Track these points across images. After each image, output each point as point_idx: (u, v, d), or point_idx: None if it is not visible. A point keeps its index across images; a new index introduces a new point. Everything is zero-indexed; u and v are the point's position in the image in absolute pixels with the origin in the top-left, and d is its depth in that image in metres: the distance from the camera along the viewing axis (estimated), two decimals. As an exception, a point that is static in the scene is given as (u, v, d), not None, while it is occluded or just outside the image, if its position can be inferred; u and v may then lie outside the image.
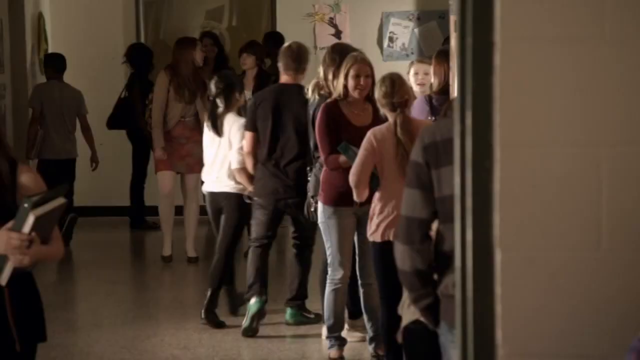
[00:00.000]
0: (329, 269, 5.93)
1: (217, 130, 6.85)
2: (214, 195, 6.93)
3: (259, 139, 6.65)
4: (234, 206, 6.79)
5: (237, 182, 6.80)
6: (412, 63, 6.79)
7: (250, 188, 6.70)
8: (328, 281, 5.95)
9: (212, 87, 6.96)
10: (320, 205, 5.90)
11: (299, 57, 6.67)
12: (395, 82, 5.42)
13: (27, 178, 3.52)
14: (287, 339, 6.59)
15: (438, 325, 3.26)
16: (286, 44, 6.91)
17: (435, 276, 3.26)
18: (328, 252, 5.93)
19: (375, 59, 9.85)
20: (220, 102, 6.88)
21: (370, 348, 6.05)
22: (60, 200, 3.42)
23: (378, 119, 5.72)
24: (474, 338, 2.08)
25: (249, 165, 6.71)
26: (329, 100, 5.92)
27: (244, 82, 8.50)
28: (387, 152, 5.41)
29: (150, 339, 6.58)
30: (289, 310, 6.86)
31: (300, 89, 6.48)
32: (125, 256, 9.60)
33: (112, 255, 9.29)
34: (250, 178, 6.71)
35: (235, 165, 6.78)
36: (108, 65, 10.66)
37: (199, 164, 8.01)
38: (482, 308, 2.07)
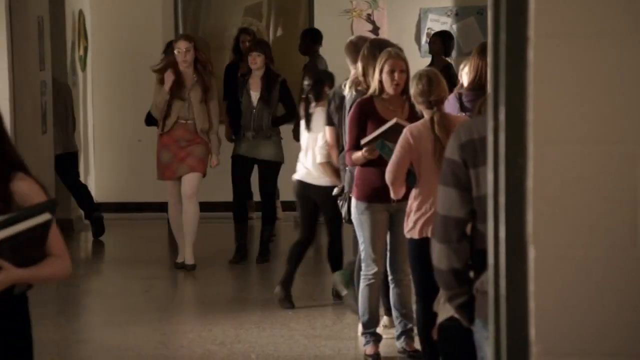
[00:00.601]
0: (362, 265, 5.93)
1: (308, 124, 7.10)
2: (303, 184, 7.14)
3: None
4: (326, 198, 6.83)
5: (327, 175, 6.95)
6: (465, 62, 6.57)
7: (336, 182, 6.73)
8: (362, 277, 5.95)
9: (304, 83, 7.33)
10: (353, 200, 5.90)
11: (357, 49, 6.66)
12: (432, 80, 5.40)
13: (20, 187, 3.16)
14: (323, 335, 6.59)
15: (473, 322, 3.25)
16: (349, 39, 6.94)
17: (472, 274, 3.25)
18: (361, 248, 5.92)
19: (413, 55, 9.83)
20: (311, 98, 7.12)
21: (398, 343, 6.05)
22: (44, 217, 3.09)
23: (414, 115, 5.71)
24: (507, 335, 2.07)
25: (334, 158, 6.79)
26: (365, 97, 5.91)
27: (250, 82, 8.32)
28: (424, 149, 5.40)
29: (187, 334, 6.61)
30: (342, 273, 6.95)
31: None
32: (163, 252, 9.66)
33: (150, 251, 9.35)
34: (336, 171, 6.79)
35: (320, 159, 6.92)
36: (147, 61, 10.72)
37: (201, 163, 8.17)
38: (515, 305, 2.06)
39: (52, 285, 8.21)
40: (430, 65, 9.11)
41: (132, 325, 6.85)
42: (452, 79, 9.60)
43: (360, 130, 5.81)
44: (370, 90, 5.88)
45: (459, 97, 5.83)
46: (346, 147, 5.94)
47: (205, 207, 8.80)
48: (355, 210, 5.87)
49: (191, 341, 6.47)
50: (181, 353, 6.24)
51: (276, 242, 9.33)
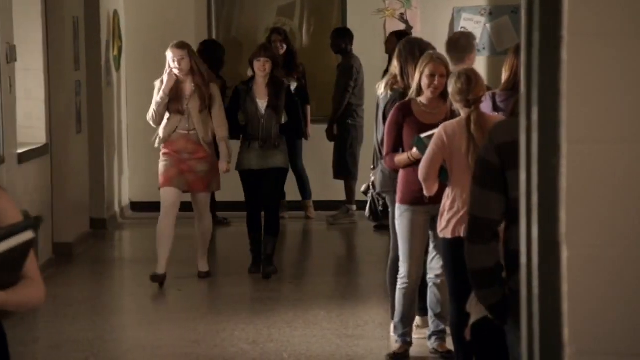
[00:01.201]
0: (401, 268, 5.92)
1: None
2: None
3: None
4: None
5: None
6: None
7: None
8: (399, 279, 5.94)
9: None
10: (395, 204, 5.89)
11: (457, 46, 6.65)
12: (472, 79, 5.39)
13: None
14: (355, 335, 6.59)
15: (505, 322, 3.24)
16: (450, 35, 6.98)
17: (504, 274, 3.24)
18: (400, 251, 5.91)
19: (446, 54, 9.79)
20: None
21: (429, 344, 6.04)
22: (25, 236, 2.83)
23: (454, 117, 5.70)
24: (540, 337, 2.05)
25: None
26: (404, 100, 5.90)
27: (254, 90, 7.85)
28: (457, 148, 5.38)
29: (220, 333, 6.63)
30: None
31: None
32: (194, 252, 9.69)
33: (183, 250, 9.39)
34: None
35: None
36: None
37: (201, 182, 7.75)
38: (549, 306, 2.05)
39: (85, 285, 8.27)
40: (387, 66, 9.13)
41: (166, 324, 6.88)
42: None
43: (398, 133, 5.80)
44: (410, 92, 5.87)
45: (493, 97, 5.81)
46: (384, 150, 5.90)
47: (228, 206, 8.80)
48: (396, 212, 5.87)
49: (224, 340, 6.49)
50: (214, 352, 6.26)
51: (306, 241, 9.33)
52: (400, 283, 5.93)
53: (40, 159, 8.39)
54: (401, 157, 5.79)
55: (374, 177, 6.38)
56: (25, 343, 6.57)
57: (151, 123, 7.87)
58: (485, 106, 5.72)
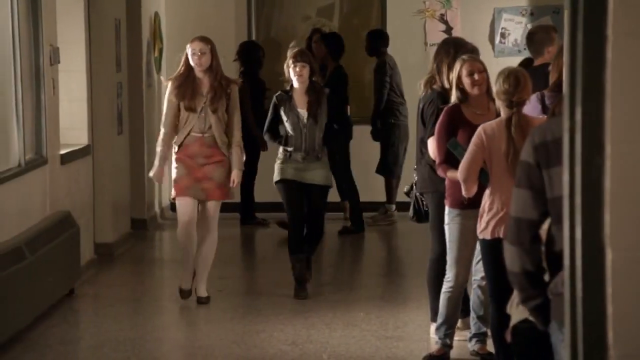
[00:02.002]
0: (448, 272, 5.87)
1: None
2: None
3: None
4: None
5: None
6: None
7: None
8: (445, 282, 5.90)
9: None
10: (446, 208, 5.85)
11: (534, 39, 6.72)
12: (520, 81, 5.34)
13: None
14: (395, 336, 6.57)
15: (548, 325, 3.21)
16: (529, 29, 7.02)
17: (547, 276, 3.21)
18: (448, 255, 5.87)
19: (487, 55, 9.74)
20: None
21: (469, 346, 6.01)
22: None
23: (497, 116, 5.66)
24: (584, 339, 2.04)
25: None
26: (450, 104, 5.86)
27: (294, 98, 7.33)
28: (497, 148, 5.35)
29: (260, 334, 6.64)
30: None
31: (544, 67, 6.28)
32: (235, 252, 9.72)
33: (223, 251, 9.42)
34: None
35: None
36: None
37: (220, 190, 7.16)
38: (593, 308, 2.03)
39: (126, 285, 8.32)
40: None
41: (205, 325, 6.90)
42: (341, 79, 9.62)
43: (448, 138, 5.74)
44: (453, 98, 5.84)
45: (541, 99, 5.75)
46: (437, 158, 5.84)
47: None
48: (447, 217, 5.84)
49: (263, 341, 6.50)
50: (254, 353, 6.27)
51: (344, 242, 9.27)
52: (447, 287, 5.90)
53: (82, 160, 8.46)
54: (454, 175, 5.70)
55: (416, 177, 6.35)
56: (67, 342, 6.62)
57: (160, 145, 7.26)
58: (534, 107, 5.68)
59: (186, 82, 7.13)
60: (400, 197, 9.99)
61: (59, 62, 7.89)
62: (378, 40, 10.17)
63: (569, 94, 2.03)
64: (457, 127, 5.74)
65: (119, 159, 9.35)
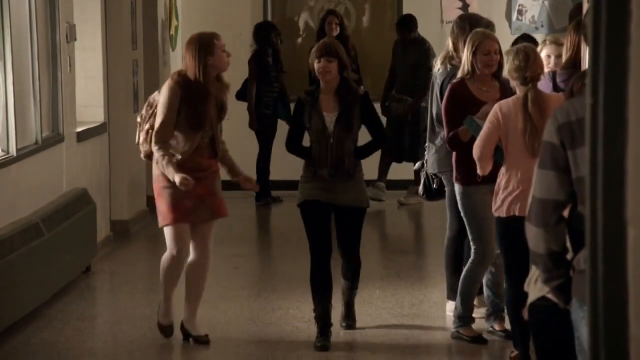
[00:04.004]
0: (472, 250, 5.83)
1: None
2: None
3: None
4: None
5: None
6: (544, 42, 6.22)
7: None
8: (470, 260, 5.86)
9: None
10: (458, 187, 5.84)
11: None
12: (530, 56, 5.33)
13: None
14: (410, 313, 6.58)
15: (569, 303, 3.21)
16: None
17: (569, 255, 3.21)
18: (472, 232, 5.83)
19: (504, 32, 9.71)
20: None
21: (487, 323, 6.01)
22: None
23: (505, 95, 5.65)
24: (604, 316, 2.04)
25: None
26: (455, 80, 5.86)
27: (320, 99, 5.86)
28: (513, 126, 5.34)
29: (275, 311, 6.66)
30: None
31: None
32: (250, 230, 9.74)
33: (237, 229, 9.43)
34: None
35: None
36: (235, 41, 10.79)
37: (224, 204, 5.91)
38: (613, 286, 2.03)
39: (142, 262, 8.35)
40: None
41: (221, 302, 6.93)
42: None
43: (457, 114, 5.73)
44: (461, 72, 5.82)
45: (553, 77, 5.73)
46: (445, 132, 5.84)
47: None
48: (461, 195, 5.81)
49: (279, 318, 6.52)
50: (270, 330, 6.29)
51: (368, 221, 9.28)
52: (473, 266, 5.84)
53: (98, 137, 8.48)
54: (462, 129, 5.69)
55: (428, 155, 6.34)
56: (84, 319, 6.66)
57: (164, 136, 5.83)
58: (545, 86, 5.66)
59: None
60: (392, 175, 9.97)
61: (75, 40, 7.89)
62: (407, 27, 10.04)
63: (591, 71, 2.02)
64: (465, 102, 5.73)
65: (135, 136, 9.35)
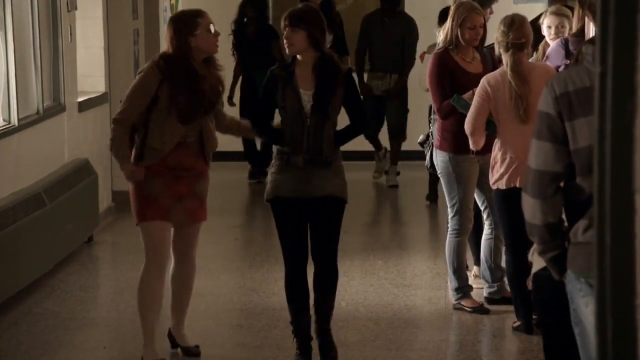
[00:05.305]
0: (454, 220, 5.87)
1: None
2: None
3: None
4: None
5: None
6: (544, 14, 6.22)
7: None
8: (453, 232, 5.89)
9: None
10: (443, 155, 5.83)
11: None
12: (514, 22, 5.33)
13: None
14: (413, 284, 6.59)
15: (564, 274, 3.21)
16: None
17: (565, 226, 3.20)
18: (455, 202, 5.85)
19: (507, 2, 9.64)
20: None
21: (485, 291, 6.04)
22: None
23: (487, 68, 5.71)
24: (611, 287, 2.02)
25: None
26: (437, 49, 5.88)
27: (297, 74, 5.03)
28: (502, 98, 5.33)
29: (278, 282, 6.66)
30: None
31: None
32: (245, 200, 9.73)
33: (232, 199, 9.43)
34: None
35: None
36: (234, 11, 10.74)
37: (204, 209, 5.25)
38: (621, 257, 2.01)
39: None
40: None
41: (224, 273, 6.93)
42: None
43: (445, 82, 5.73)
44: (443, 42, 5.83)
45: (565, 44, 5.70)
46: (434, 105, 5.86)
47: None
48: (450, 162, 5.81)
49: (282, 288, 6.47)
50: (272, 300, 6.30)
51: (366, 192, 9.24)
52: (456, 235, 5.88)
53: (99, 107, 8.45)
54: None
55: (433, 127, 6.33)
56: (86, 289, 6.67)
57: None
58: (558, 53, 5.64)
59: None
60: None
61: (76, 9, 7.85)
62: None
63: (600, 38, 2.00)
64: (451, 72, 5.73)
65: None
